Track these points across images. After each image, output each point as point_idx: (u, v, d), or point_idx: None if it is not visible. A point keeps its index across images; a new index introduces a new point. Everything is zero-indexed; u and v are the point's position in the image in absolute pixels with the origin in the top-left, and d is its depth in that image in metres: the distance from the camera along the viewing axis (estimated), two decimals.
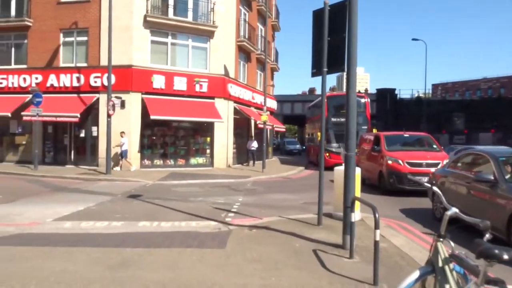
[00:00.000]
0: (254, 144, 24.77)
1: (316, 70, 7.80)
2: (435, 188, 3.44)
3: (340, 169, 8.17)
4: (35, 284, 4.52)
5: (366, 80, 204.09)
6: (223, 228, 7.71)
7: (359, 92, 24.75)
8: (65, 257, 5.57)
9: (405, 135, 14.53)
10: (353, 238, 5.55)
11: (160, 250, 6.00)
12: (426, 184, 3.60)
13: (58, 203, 10.72)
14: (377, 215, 4.63)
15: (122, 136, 19.19)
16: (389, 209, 10.26)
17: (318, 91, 78.41)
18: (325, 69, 7.47)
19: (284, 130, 37.23)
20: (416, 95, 60.70)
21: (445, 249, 3.02)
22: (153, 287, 4.48)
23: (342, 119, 21.58)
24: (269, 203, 11.19)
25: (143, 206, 10.46)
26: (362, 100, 22.89)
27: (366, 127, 21.93)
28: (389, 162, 12.40)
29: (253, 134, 27.75)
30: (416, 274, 3.00)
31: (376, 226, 4.59)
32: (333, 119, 22.61)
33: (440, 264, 2.96)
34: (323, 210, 7.81)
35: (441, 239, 3.08)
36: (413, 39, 47.12)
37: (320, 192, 7.56)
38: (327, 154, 21.45)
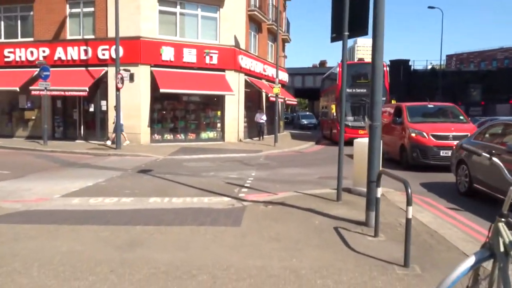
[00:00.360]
0: (263, 117, 23.96)
1: (336, 34, 7.22)
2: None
3: (361, 142, 7.70)
4: (38, 266, 4.20)
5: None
6: (236, 204, 7.34)
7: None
8: (72, 236, 5.26)
9: (429, 106, 13.39)
10: (378, 215, 5.13)
11: (171, 228, 5.65)
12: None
13: (67, 178, 10.45)
14: (409, 191, 4.18)
15: (115, 110, 18.98)
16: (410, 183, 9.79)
17: (330, 63, 76.69)
18: (346, 33, 6.88)
19: (295, 103, 36.62)
20: (430, 66, 59.14)
21: (508, 231, 2.55)
22: (164, 269, 4.14)
23: (359, 90, 20.77)
24: (283, 178, 10.80)
25: (154, 181, 10.14)
26: None
27: (384, 98, 20.27)
28: (413, 135, 11.60)
29: (264, 107, 27.21)
30: (471, 260, 2.56)
31: (409, 203, 4.15)
32: (349, 90, 20.85)
33: (502, 248, 2.51)
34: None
35: (503, 219, 2.60)
36: (429, 7, 45.55)
37: (340, 166, 7.11)
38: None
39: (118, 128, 17.36)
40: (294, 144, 21.81)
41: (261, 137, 23.85)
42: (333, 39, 7.40)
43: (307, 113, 52.15)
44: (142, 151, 16.99)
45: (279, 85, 20.85)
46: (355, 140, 8.08)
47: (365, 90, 20.27)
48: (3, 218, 6.25)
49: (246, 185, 9.60)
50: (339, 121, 20.89)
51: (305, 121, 43.47)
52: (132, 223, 5.90)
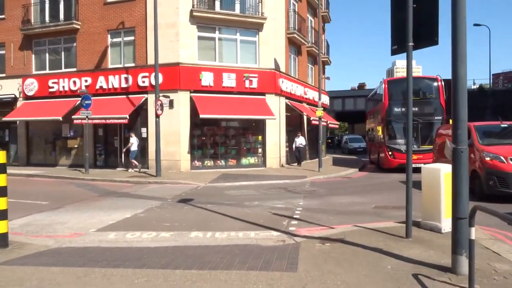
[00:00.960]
0: (302, 141, 22.52)
1: (398, 46, 6.36)
2: None
3: (430, 168, 6.66)
4: None
5: (418, 73, 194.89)
6: (288, 240, 6.44)
7: (428, 76, 20.85)
8: (102, 285, 4.53)
9: (503, 125, 11.49)
10: (473, 263, 4.06)
11: (216, 273, 4.82)
12: None
13: (105, 209, 9.91)
14: None
15: (131, 136, 19.13)
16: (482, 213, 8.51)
17: (369, 86, 74.88)
18: (411, 44, 5.99)
19: (337, 126, 35.38)
20: (476, 85, 56.47)
21: None
22: None
23: (413, 109, 19.14)
24: (335, 208, 9.78)
25: (195, 212, 9.41)
26: (435, 84, 19.08)
27: (441, 117, 18.45)
28: (487, 159, 10.07)
29: (305, 131, 26.31)
30: None
31: None
32: (396, 109, 19.13)
33: None
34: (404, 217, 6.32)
35: None
36: (475, 25, 43.72)
37: (409, 197, 6.09)
38: (390, 153, 18.78)
39: (158, 155, 16.95)
40: (339, 170, 20.66)
41: (299, 163, 22.46)
42: (394, 52, 6.53)
43: (356, 136, 45.62)
44: (182, 178, 16.45)
45: (322, 108, 19.96)
46: (423, 166, 7.01)
47: (417, 109, 17.84)
48: (31, 258, 5.65)
49: (295, 216, 8.68)
50: (386, 144, 19.86)
51: (354, 145, 39.31)
52: (172, 266, 5.12)
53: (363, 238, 6.18)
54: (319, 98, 20.54)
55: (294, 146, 22.25)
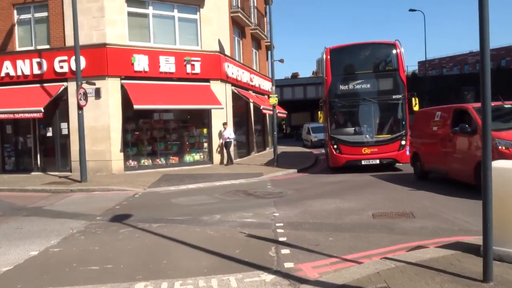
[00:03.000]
0: (229, 134, 18.11)
1: None
2: None
3: (507, 168, 4.49)
4: None
5: None
6: None
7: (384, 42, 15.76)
8: None
9: (506, 106, 9.43)
10: None
11: None
12: None
13: (2, 240, 6.85)
14: None
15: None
16: None
17: (303, 74, 73.64)
18: None
19: (285, 115, 33.44)
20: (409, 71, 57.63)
21: None
22: None
23: (359, 86, 14.35)
24: (325, 219, 7.51)
25: (136, 239, 6.67)
26: (393, 51, 14.66)
27: (401, 95, 14.21)
28: (502, 148, 8.21)
29: (253, 122, 24.02)
30: None
31: None
32: (342, 87, 14.68)
33: None
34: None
35: None
36: (411, 10, 43.98)
37: (488, 215, 3.88)
38: (335, 147, 14.40)
39: (82, 155, 13.72)
40: (292, 164, 18.57)
41: (228, 160, 18.04)
42: None
43: (319, 124, 32.17)
44: (114, 183, 13.43)
45: (276, 95, 17.71)
46: (497, 162, 4.53)
47: (369, 86, 14.46)
48: None
49: (280, 238, 6.27)
50: (330, 135, 14.77)
51: (319, 136, 28.13)
52: None
53: (407, 282, 3.92)
54: (273, 83, 18.23)
55: (221, 140, 18.11)
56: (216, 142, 18.33)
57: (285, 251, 5.61)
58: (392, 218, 7.32)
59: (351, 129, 14.98)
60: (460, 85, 45.86)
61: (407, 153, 14.11)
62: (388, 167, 14.71)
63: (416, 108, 14.10)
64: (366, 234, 6.32)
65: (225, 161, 18.11)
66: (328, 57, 14.93)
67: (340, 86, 14.82)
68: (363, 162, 14.27)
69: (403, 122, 14.47)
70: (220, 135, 18.10)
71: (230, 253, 5.59)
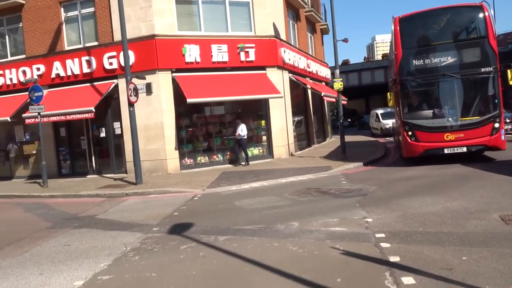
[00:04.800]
0: (242, 130, 15.56)
1: None
2: None
3: None
4: None
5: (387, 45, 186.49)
6: None
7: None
8: None
9: None
10: None
11: None
12: None
13: (45, 264, 5.77)
14: None
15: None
16: None
17: (353, 60, 69.19)
18: None
19: (346, 102, 31.36)
20: None
21: None
22: None
23: (438, 59, 12.09)
24: (438, 226, 5.80)
25: (201, 261, 5.31)
26: (480, 15, 12.17)
27: (492, 68, 11.78)
28: None
29: (312, 111, 22.30)
30: None
31: None
32: (416, 62, 12.49)
33: None
34: None
35: None
36: None
37: None
38: (409, 133, 12.34)
39: (136, 155, 12.75)
40: (361, 154, 16.70)
41: (243, 160, 15.87)
42: None
43: (390, 109, 24.44)
44: (171, 185, 12.33)
45: (340, 79, 15.90)
46: None
47: (451, 58, 12.16)
48: None
49: (392, 258, 4.65)
50: (403, 120, 12.28)
51: (390, 123, 24.03)
52: None
53: None
54: (336, 66, 16.39)
55: (237, 137, 15.65)
56: (275, 134, 16.85)
57: (408, 279, 4.01)
58: None
59: (429, 112, 12.63)
60: None
61: (502, 137, 11.84)
62: (475, 156, 12.43)
63: None
64: (509, 249, 4.56)
65: (242, 162, 15.78)
66: (398, 28, 12.66)
67: (414, 60, 12.50)
68: (445, 151, 11.98)
69: (496, 101, 12.00)
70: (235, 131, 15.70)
71: (329, 283, 4.07)
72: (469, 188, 8.20)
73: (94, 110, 14.42)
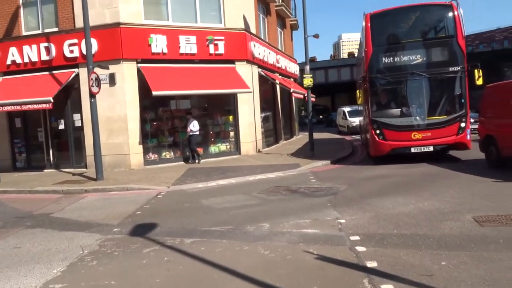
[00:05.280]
0: (193, 126, 14.80)
1: None
2: None
3: None
4: None
5: (353, 43, 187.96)
6: None
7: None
8: None
9: None
10: None
11: None
12: None
13: None
14: None
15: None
16: None
17: (320, 58, 69.91)
18: None
19: (314, 99, 31.35)
20: None
21: None
22: None
23: (407, 57, 12.05)
24: (413, 228, 5.65)
25: (166, 267, 4.92)
26: (449, 14, 12.21)
27: (460, 67, 11.81)
28: None
29: (280, 108, 22.11)
30: None
31: None
32: (386, 59, 12.32)
33: None
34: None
35: None
36: None
37: None
38: (377, 132, 12.25)
39: (97, 149, 12.09)
40: (329, 153, 16.66)
41: (194, 157, 15.09)
42: None
43: (357, 107, 24.73)
44: (134, 181, 11.78)
45: (310, 75, 15.71)
46: None
47: (419, 57, 12.21)
48: None
49: (369, 264, 4.43)
50: (371, 118, 12.18)
51: (357, 121, 24.38)
52: None
53: None
54: (306, 62, 16.19)
55: (190, 132, 14.81)
56: (243, 129, 16.51)
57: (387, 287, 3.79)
58: (508, 225, 5.43)
59: (397, 110, 12.63)
60: (496, 61, 42.88)
61: (468, 137, 11.99)
62: (440, 155, 12.56)
63: (479, 82, 11.75)
64: (490, 253, 4.45)
65: (196, 160, 15.02)
66: (369, 24, 12.53)
67: (384, 58, 12.40)
68: (412, 150, 11.99)
69: (463, 100, 12.11)
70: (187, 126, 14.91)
71: None
72: (439, 188, 8.16)
73: (52, 101, 13.57)
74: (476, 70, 11.78)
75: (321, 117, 50.69)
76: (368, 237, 5.36)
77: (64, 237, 6.51)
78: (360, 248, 4.92)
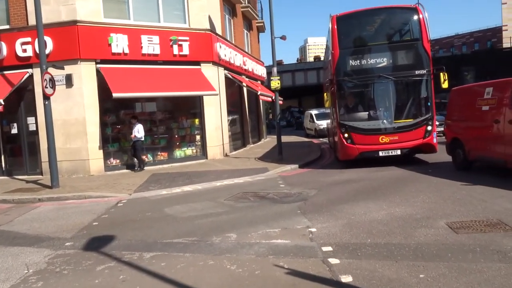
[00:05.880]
0: (138, 131, 13.84)
1: None
2: None
3: None
4: None
5: (319, 48, 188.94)
6: None
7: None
8: None
9: None
10: None
11: None
12: None
13: None
14: None
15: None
16: None
17: (286, 61, 70.29)
18: None
19: (282, 102, 31.18)
20: None
21: None
22: None
23: (374, 60, 11.93)
24: (386, 237, 5.39)
25: (119, 287, 4.42)
26: (415, 17, 12.21)
27: (425, 71, 11.82)
28: None
29: (247, 110, 21.77)
30: None
31: None
32: (353, 62, 12.25)
33: None
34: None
35: None
36: None
37: None
38: (345, 135, 12.04)
39: (51, 154, 11.31)
40: (298, 157, 16.45)
41: (139, 165, 14.13)
42: None
43: (325, 110, 23.75)
44: (92, 188, 11.09)
45: (278, 77, 15.42)
46: None
47: (385, 60, 12.19)
48: None
49: (343, 278, 4.09)
50: (339, 121, 11.99)
51: (324, 124, 24.12)
52: None
53: None
54: (274, 64, 15.91)
55: (134, 138, 13.89)
56: (209, 133, 16.03)
57: None
58: (483, 232, 5.24)
59: (364, 114, 12.56)
60: (456, 66, 44.28)
61: (435, 140, 12.02)
62: (408, 158, 12.53)
63: (445, 85, 11.80)
64: (469, 264, 4.21)
65: (137, 167, 14.10)
66: (335, 26, 12.35)
67: (351, 61, 12.30)
68: (380, 154, 11.92)
69: (429, 103, 12.13)
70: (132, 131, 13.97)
71: None
72: (409, 192, 8.01)
73: (3, 103, 12.64)
74: (441, 73, 11.84)
75: (289, 119, 51.31)
76: (341, 247, 5.05)
77: (9, 253, 5.87)
78: (333, 260, 4.59)
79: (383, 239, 5.25)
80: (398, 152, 11.92)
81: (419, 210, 6.56)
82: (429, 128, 11.94)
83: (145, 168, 14.33)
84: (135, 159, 14.20)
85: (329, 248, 5.03)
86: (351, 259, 4.63)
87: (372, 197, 7.86)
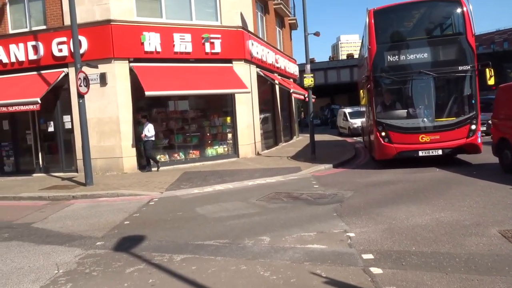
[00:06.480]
0: (149, 130, 13.56)
1: None
2: None
3: None
4: None
5: (354, 46, 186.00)
6: None
7: None
8: None
9: None
10: None
11: None
12: None
13: None
14: None
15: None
16: None
17: (318, 59, 69.30)
18: None
19: (314, 100, 30.66)
20: None
21: None
22: None
23: (414, 55, 11.43)
24: (433, 245, 4.99)
25: None
26: (458, 10, 11.50)
27: (470, 67, 11.15)
28: None
29: (279, 109, 21.46)
30: None
31: None
32: (390, 58, 11.68)
33: None
34: None
35: None
36: None
37: None
38: (382, 134, 11.57)
39: (85, 152, 11.41)
40: (331, 156, 16.00)
41: (152, 165, 13.82)
42: None
43: (359, 108, 23.71)
44: (125, 186, 11.10)
45: (311, 75, 15.04)
46: None
47: (426, 55, 11.54)
48: None
49: None
50: (376, 119, 11.26)
51: (359, 122, 23.51)
52: None
53: None
54: (307, 61, 15.54)
55: (145, 138, 13.53)
56: (241, 131, 15.84)
57: None
58: None
59: (403, 112, 11.93)
60: (498, 63, 42.39)
61: (479, 140, 11.33)
62: (449, 159, 11.88)
63: (491, 82, 11.11)
64: None
65: (154, 168, 13.81)
66: (372, 21, 11.80)
67: (389, 56, 11.71)
68: (420, 153, 11.32)
69: (473, 101, 11.42)
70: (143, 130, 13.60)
71: None
72: (454, 196, 7.50)
73: (39, 102, 12.88)
74: (487, 69, 11.13)
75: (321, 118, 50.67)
76: (383, 255, 4.69)
77: (41, 252, 5.83)
78: (375, 270, 4.25)
79: (429, 248, 4.85)
80: (440, 152, 11.31)
81: (467, 215, 6.09)
82: (473, 127, 11.27)
83: (176, 166, 14.30)
84: (147, 158, 13.86)
85: (370, 256, 4.68)
86: (395, 269, 4.27)
87: (414, 200, 7.41)
